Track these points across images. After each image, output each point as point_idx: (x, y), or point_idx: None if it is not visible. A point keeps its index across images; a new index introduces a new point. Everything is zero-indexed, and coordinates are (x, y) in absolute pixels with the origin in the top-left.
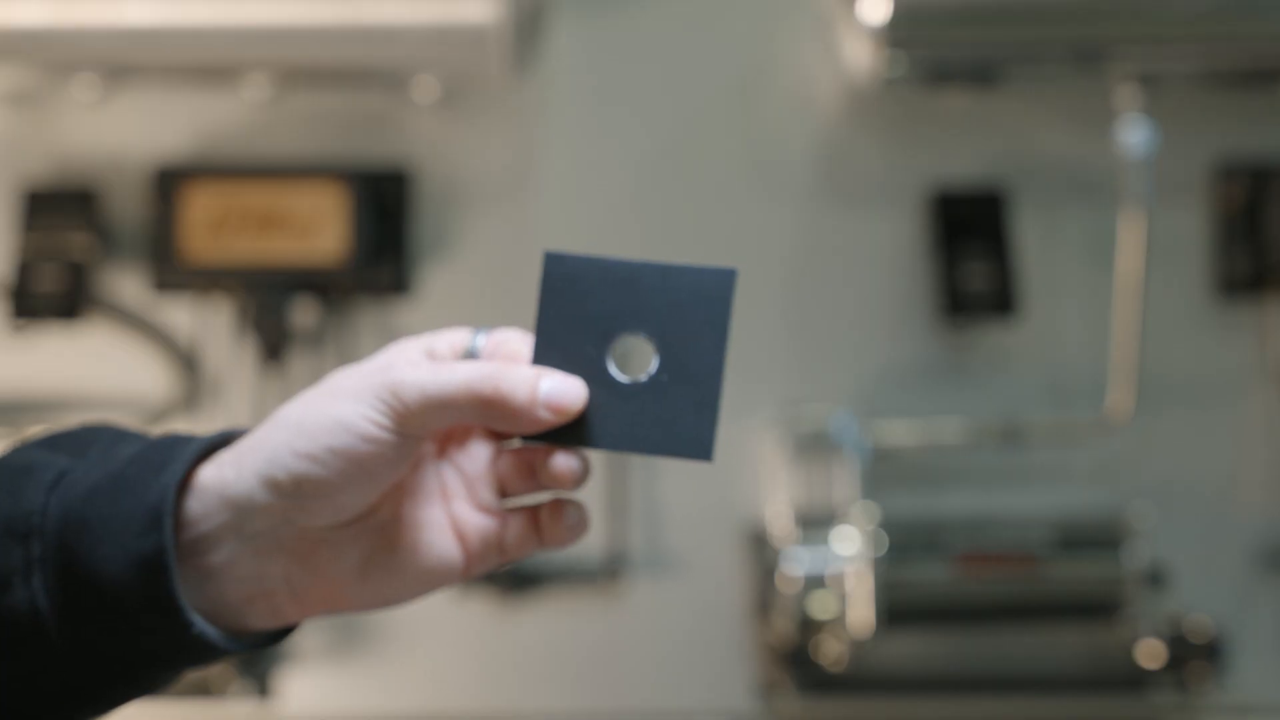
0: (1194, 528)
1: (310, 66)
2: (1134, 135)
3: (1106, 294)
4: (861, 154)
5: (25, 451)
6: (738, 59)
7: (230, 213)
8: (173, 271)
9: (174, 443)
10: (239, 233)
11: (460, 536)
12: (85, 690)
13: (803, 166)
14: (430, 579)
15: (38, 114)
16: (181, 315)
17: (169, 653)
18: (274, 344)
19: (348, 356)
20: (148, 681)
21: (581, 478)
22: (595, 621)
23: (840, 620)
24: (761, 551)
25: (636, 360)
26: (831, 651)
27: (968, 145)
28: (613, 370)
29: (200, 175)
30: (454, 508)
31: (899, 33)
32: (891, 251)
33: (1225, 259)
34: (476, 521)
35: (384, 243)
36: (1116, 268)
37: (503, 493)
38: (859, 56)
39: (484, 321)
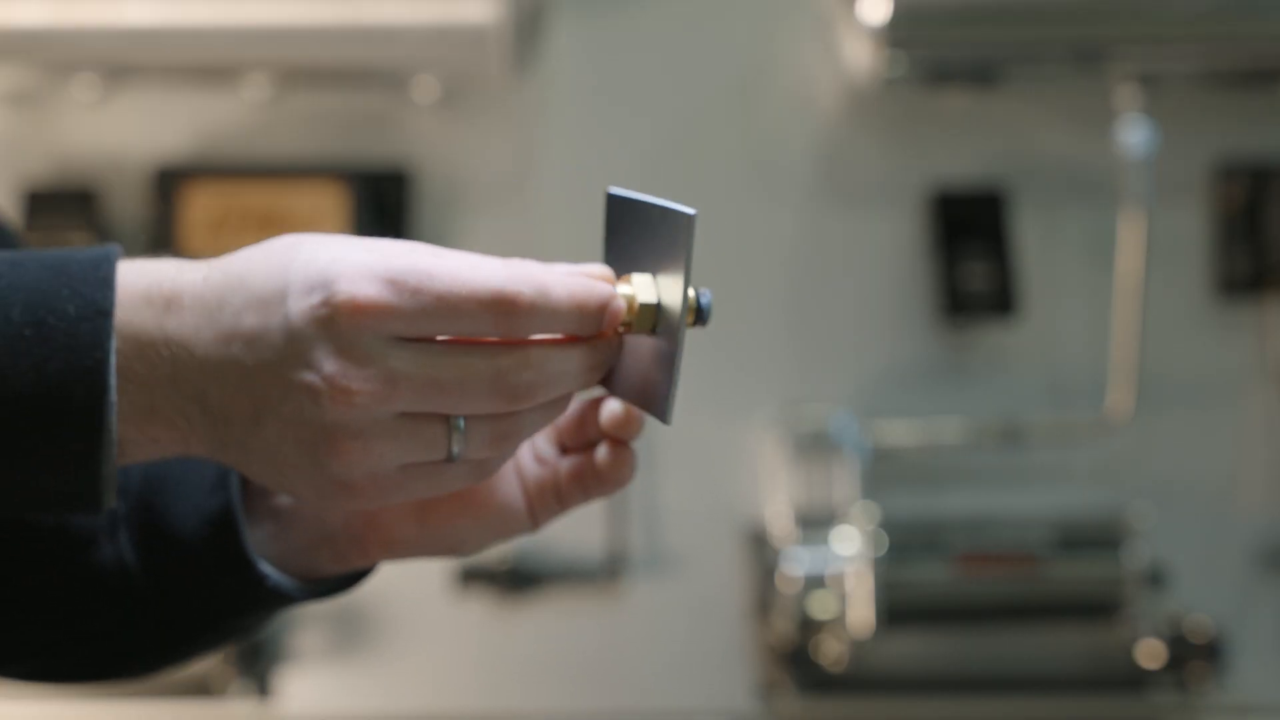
0: (1194, 528)
1: (310, 66)
2: (1134, 135)
3: (1106, 294)
4: (861, 154)
5: None
6: (738, 59)
7: (230, 213)
8: None
9: None
10: (239, 233)
11: (523, 485)
12: (171, 640)
13: (803, 166)
14: (494, 526)
15: (38, 114)
16: None
17: (247, 603)
18: None
19: None
20: (231, 630)
21: (637, 423)
22: (595, 621)
23: (840, 620)
24: (761, 551)
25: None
26: (831, 651)
27: (968, 145)
28: None
29: (200, 175)
30: (517, 457)
31: (899, 33)
32: (891, 251)
33: (1225, 259)
34: (535, 471)
35: None
36: (1116, 268)
37: (560, 446)
38: (859, 56)
39: None
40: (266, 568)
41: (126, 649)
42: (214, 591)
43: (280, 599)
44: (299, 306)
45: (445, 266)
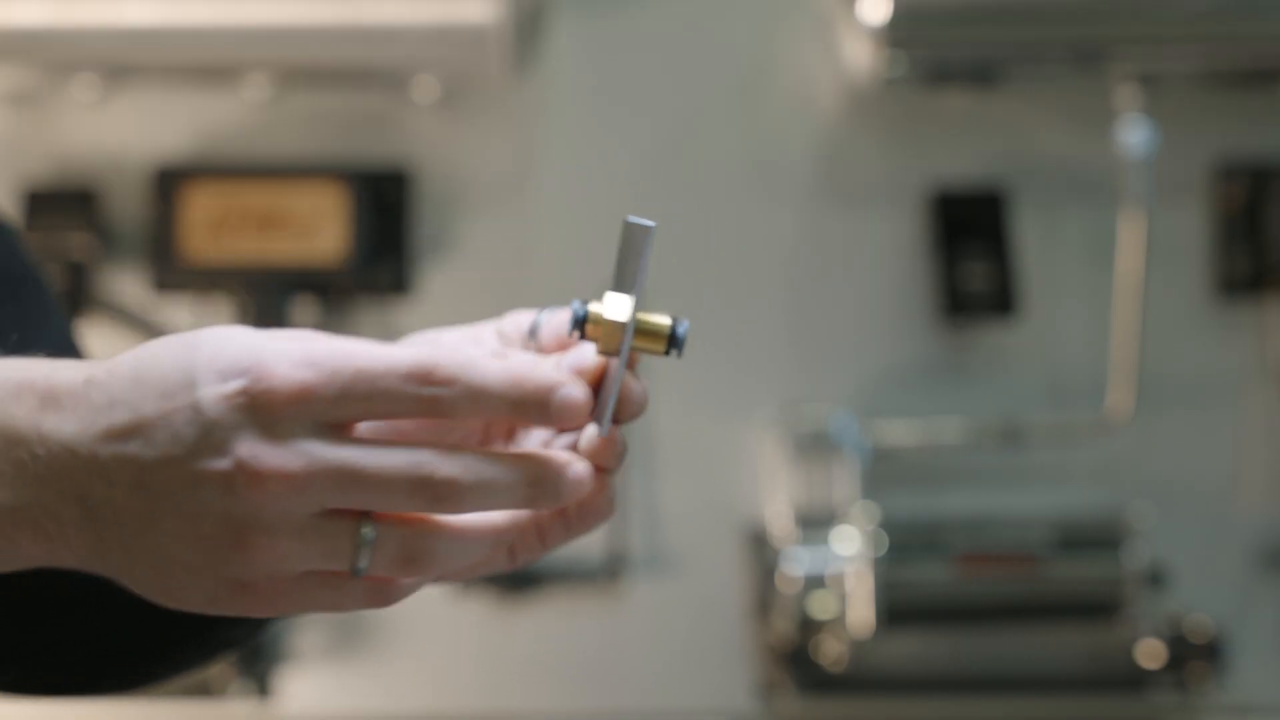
0: (1194, 528)
1: (310, 66)
2: (1134, 135)
3: (1106, 294)
4: (861, 154)
5: None
6: (738, 59)
7: (230, 213)
8: (173, 271)
9: None
10: (239, 233)
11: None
12: (157, 651)
13: (803, 166)
14: (480, 564)
15: (38, 114)
16: (182, 315)
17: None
18: None
19: None
20: (221, 642)
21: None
22: (595, 621)
23: (840, 620)
24: (761, 551)
25: None
26: (831, 651)
27: (968, 145)
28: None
29: (200, 175)
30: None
31: (899, 33)
32: (891, 251)
33: (1225, 259)
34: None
35: (384, 243)
36: (1116, 268)
37: None
38: (859, 56)
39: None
40: None
41: (115, 658)
42: None
43: None
44: (212, 393)
45: (364, 348)
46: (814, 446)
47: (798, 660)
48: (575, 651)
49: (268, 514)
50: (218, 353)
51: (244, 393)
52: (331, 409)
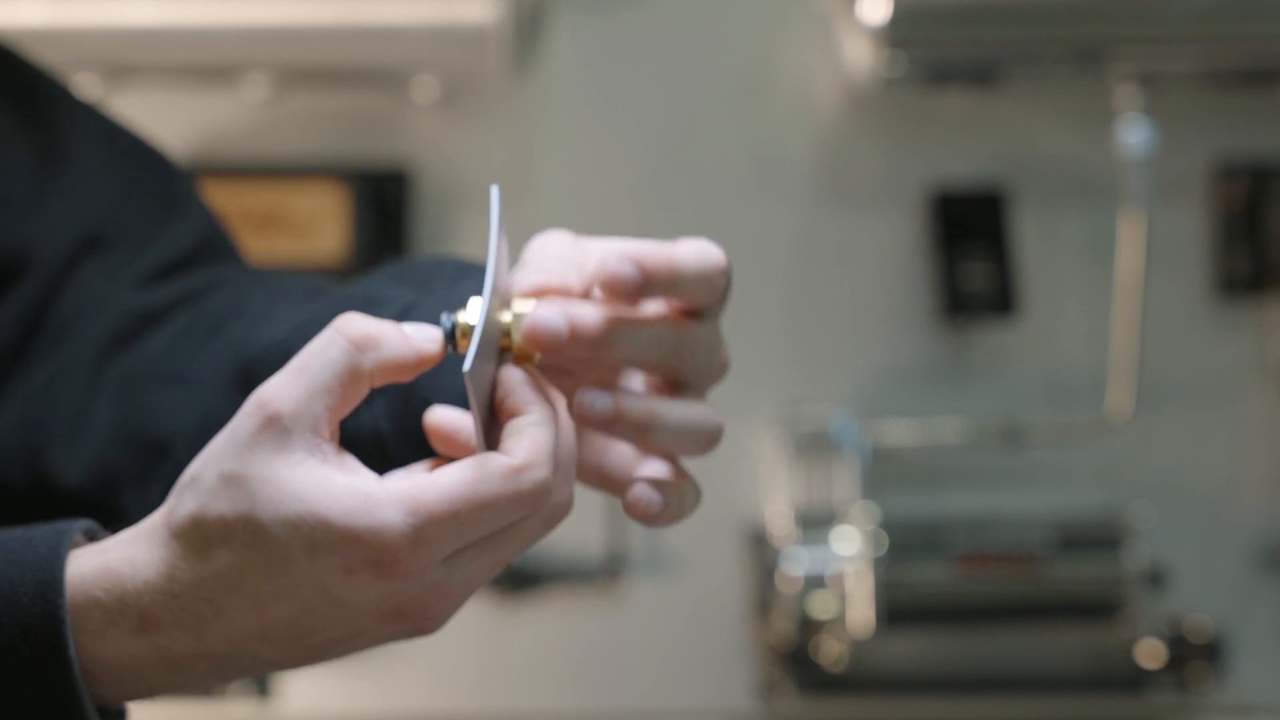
0: (1194, 528)
1: (310, 66)
2: (1134, 135)
3: (1106, 294)
4: (861, 154)
5: (372, 283)
6: (738, 59)
7: (230, 213)
8: None
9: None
10: (239, 233)
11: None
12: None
13: (803, 166)
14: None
15: None
16: None
17: None
18: None
19: None
20: None
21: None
22: (595, 621)
23: (840, 620)
24: (761, 551)
25: None
26: (831, 651)
27: (968, 145)
28: None
29: (200, 175)
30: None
31: (899, 33)
32: (891, 251)
33: (1225, 259)
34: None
35: (384, 243)
36: (1116, 268)
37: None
38: (859, 56)
39: None
40: None
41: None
42: None
43: None
44: (336, 580)
45: (460, 481)
46: (814, 446)
47: (798, 660)
48: (575, 651)
49: (437, 609)
50: (298, 523)
51: (368, 566)
52: (450, 546)
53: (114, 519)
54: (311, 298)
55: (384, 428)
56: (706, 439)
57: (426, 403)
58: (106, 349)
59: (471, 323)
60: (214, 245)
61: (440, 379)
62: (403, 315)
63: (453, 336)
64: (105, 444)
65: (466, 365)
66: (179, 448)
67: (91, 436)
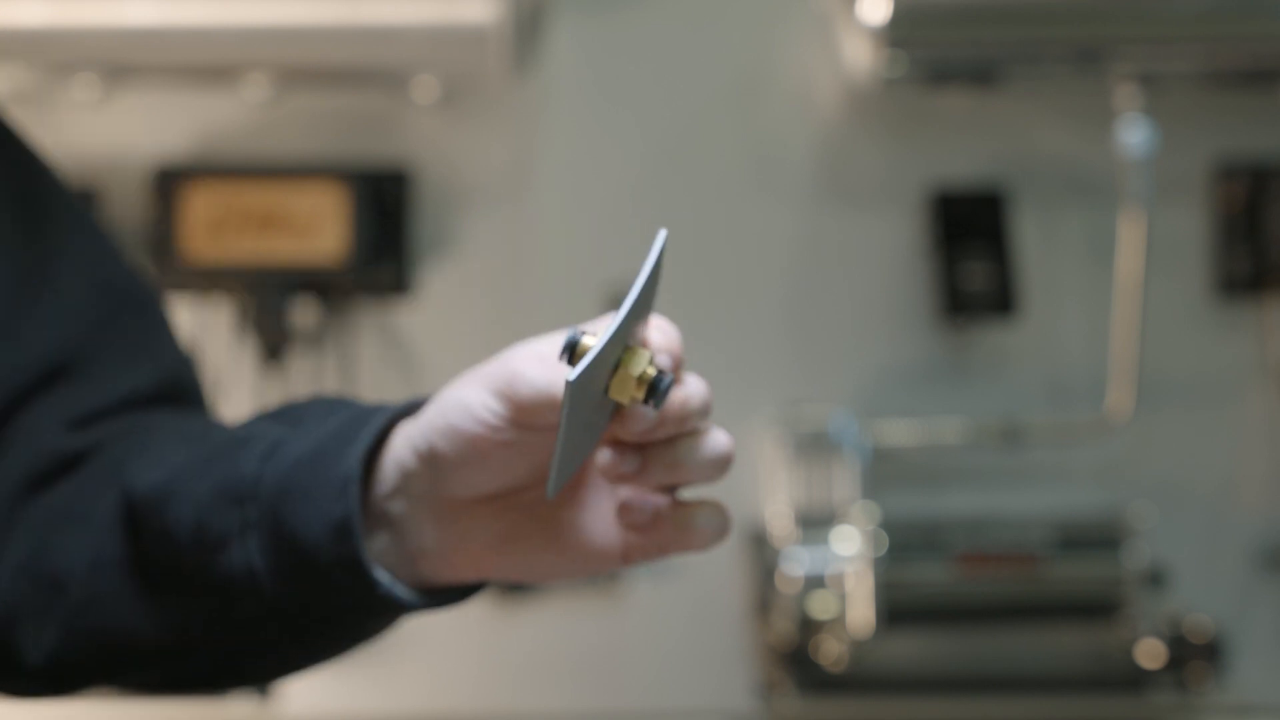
0: (1194, 528)
1: (310, 66)
2: (1134, 135)
3: (1106, 294)
4: (861, 154)
5: (250, 424)
6: (738, 59)
7: (230, 213)
8: (173, 271)
9: (369, 415)
10: (239, 233)
11: (621, 530)
12: (288, 647)
13: (803, 166)
14: (581, 562)
15: (38, 114)
16: (181, 315)
17: (361, 610)
18: (274, 344)
19: (348, 357)
20: (344, 639)
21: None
22: (595, 622)
23: (840, 620)
24: (761, 551)
25: None
26: (831, 651)
27: (968, 145)
28: None
29: (200, 175)
30: (621, 493)
31: (899, 33)
32: (891, 251)
33: (1225, 259)
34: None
35: (384, 243)
36: (1116, 268)
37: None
38: (859, 56)
39: (484, 322)
40: (382, 575)
41: (252, 655)
42: (332, 597)
43: (391, 606)
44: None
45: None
46: (814, 446)
47: (798, 660)
48: (575, 651)
49: None
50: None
51: None
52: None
53: (8, 653)
54: (197, 441)
55: (258, 565)
56: (724, 465)
57: (295, 539)
58: (26, 488)
59: (590, 344)
60: (176, 388)
61: (309, 509)
62: (270, 451)
63: (572, 350)
64: (8, 580)
65: (572, 376)
66: (73, 585)
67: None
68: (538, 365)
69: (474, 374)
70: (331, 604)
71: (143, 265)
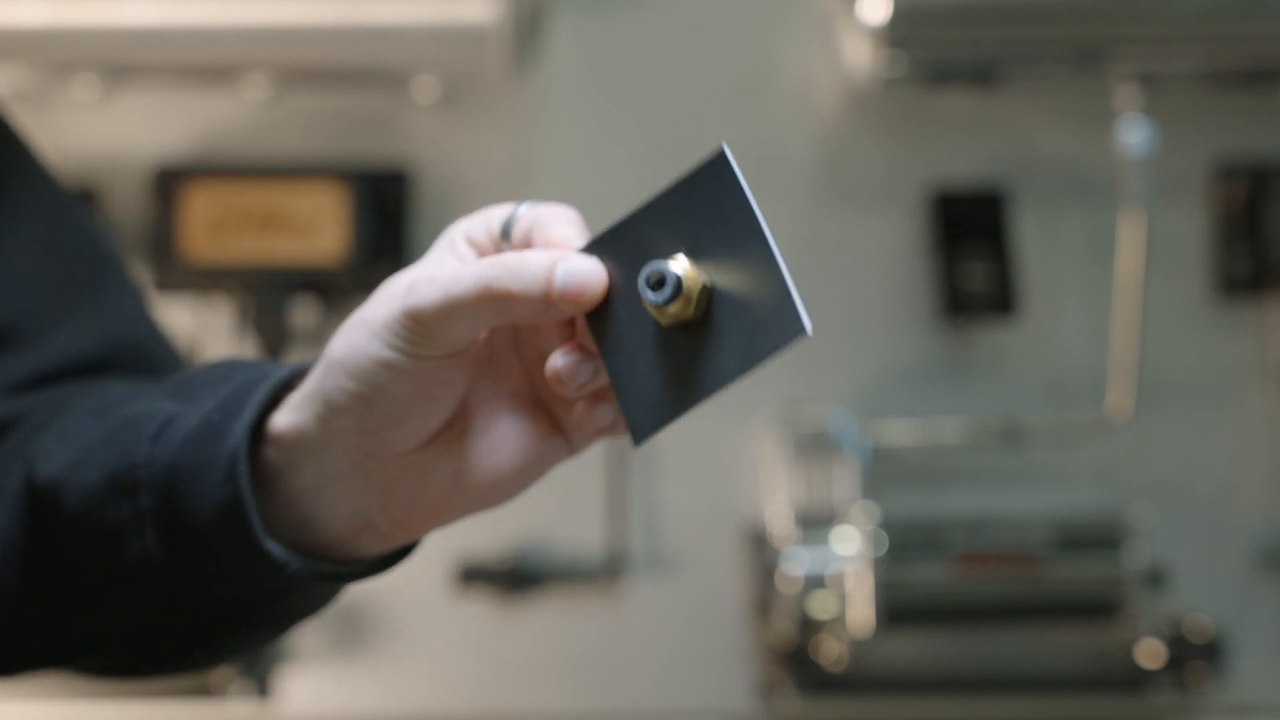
0: (1194, 528)
1: (310, 66)
2: (1134, 135)
3: (1106, 294)
4: (861, 154)
5: (140, 400)
6: (738, 59)
7: (230, 213)
8: (173, 271)
9: (255, 382)
10: (239, 233)
11: (552, 415)
12: (205, 636)
13: (803, 166)
14: (536, 464)
15: (38, 114)
16: (181, 315)
17: (271, 594)
18: (274, 344)
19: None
20: (262, 623)
21: (577, 376)
22: (595, 621)
23: (840, 620)
24: (761, 551)
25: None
26: (831, 651)
27: (968, 145)
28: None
29: (200, 175)
30: (540, 385)
31: (899, 33)
32: (891, 251)
33: (1225, 259)
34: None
35: (384, 243)
36: (1116, 268)
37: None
38: (859, 56)
39: None
40: (282, 554)
41: (162, 644)
42: (238, 584)
43: (313, 587)
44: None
45: None
46: (814, 446)
47: (798, 660)
48: (575, 651)
49: None
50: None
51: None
52: None
53: None
54: (103, 417)
55: (154, 557)
56: None
57: (189, 527)
58: None
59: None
60: (129, 353)
61: (198, 494)
62: (163, 427)
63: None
64: None
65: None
66: None
67: None
68: (429, 285)
69: (367, 321)
70: (239, 590)
71: (133, 258)
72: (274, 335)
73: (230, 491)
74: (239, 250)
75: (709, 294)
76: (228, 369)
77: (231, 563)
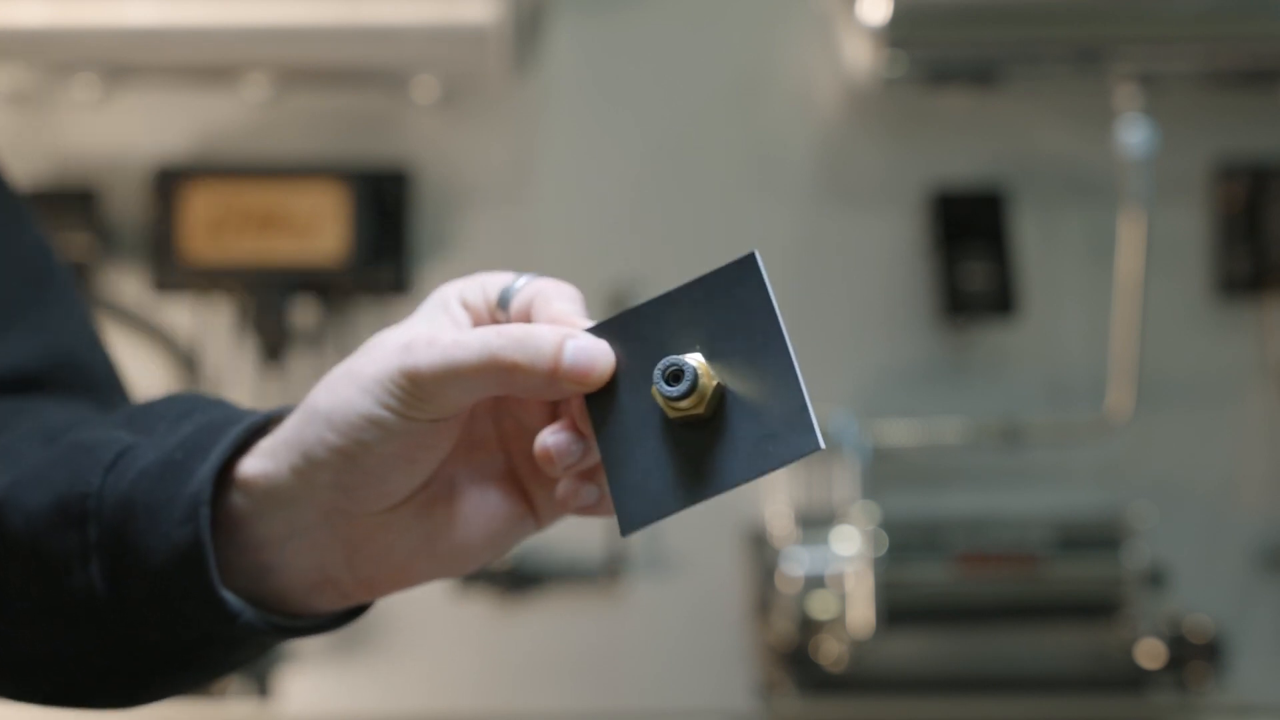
0: (1194, 528)
1: (310, 66)
2: (1134, 135)
3: (1106, 294)
4: (861, 154)
5: (96, 428)
6: (738, 59)
7: (230, 213)
8: (173, 271)
9: (222, 423)
10: (239, 233)
11: (524, 489)
12: (143, 675)
13: (803, 166)
14: (505, 537)
15: (38, 114)
16: (181, 315)
17: (221, 642)
18: (274, 344)
19: (348, 357)
20: (209, 665)
21: (567, 456)
22: (595, 621)
23: (840, 620)
24: (761, 551)
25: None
26: (831, 651)
27: (968, 145)
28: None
29: (200, 175)
30: (515, 457)
31: (899, 33)
32: (891, 251)
33: (1225, 259)
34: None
35: (384, 243)
36: (1116, 268)
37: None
38: (859, 56)
39: None
40: (239, 607)
41: (100, 677)
42: (184, 627)
43: (259, 637)
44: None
45: None
46: None
47: (798, 660)
48: (575, 651)
49: None
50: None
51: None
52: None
53: None
54: (50, 441)
55: (100, 590)
56: None
57: (140, 566)
58: None
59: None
60: (70, 371)
61: (153, 533)
62: (119, 458)
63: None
64: None
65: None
66: None
67: None
68: (430, 349)
69: (357, 376)
70: (184, 634)
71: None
72: (274, 335)
73: (189, 534)
74: (239, 250)
75: (721, 394)
76: (188, 403)
77: (181, 606)
